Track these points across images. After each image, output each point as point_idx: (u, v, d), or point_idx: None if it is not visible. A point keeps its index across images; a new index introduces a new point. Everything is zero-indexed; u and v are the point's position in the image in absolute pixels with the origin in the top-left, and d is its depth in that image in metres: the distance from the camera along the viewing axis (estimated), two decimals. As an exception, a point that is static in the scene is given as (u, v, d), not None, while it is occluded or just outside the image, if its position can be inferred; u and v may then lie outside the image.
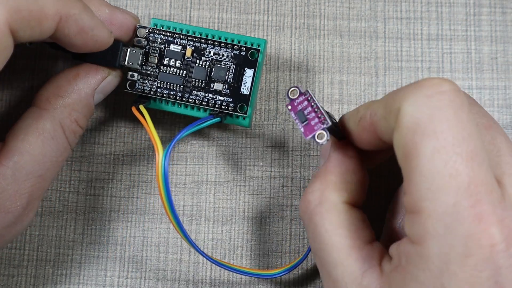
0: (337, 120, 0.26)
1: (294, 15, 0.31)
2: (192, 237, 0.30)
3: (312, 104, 0.24)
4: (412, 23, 0.31)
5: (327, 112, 0.25)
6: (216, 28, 0.31)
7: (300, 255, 0.30)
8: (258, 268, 0.30)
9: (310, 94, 0.24)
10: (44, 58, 0.31)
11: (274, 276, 0.28)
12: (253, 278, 0.30)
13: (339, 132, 0.25)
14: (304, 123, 0.24)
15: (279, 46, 0.31)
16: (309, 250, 0.28)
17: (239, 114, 0.28)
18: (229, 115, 0.28)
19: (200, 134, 0.31)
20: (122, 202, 0.31)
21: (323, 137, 0.24)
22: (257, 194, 0.30)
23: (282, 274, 0.28)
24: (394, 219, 0.27)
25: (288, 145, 0.31)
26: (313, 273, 0.30)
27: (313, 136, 0.24)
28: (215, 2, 0.32)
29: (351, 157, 0.25)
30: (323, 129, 0.24)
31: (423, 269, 0.20)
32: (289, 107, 0.25)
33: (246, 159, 0.31)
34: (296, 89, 0.25)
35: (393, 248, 0.22)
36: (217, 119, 0.27)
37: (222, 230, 0.30)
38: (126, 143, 0.31)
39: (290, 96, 0.25)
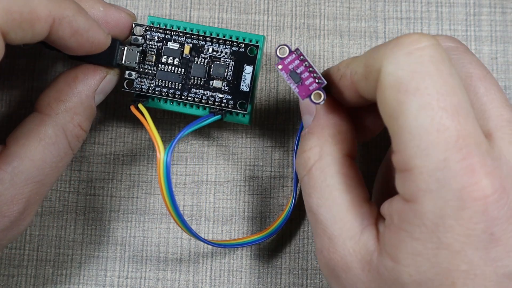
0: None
1: (294, 15, 0.31)
2: (192, 237, 0.30)
3: (305, 63, 0.23)
4: (412, 23, 0.31)
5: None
6: (216, 28, 0.31)
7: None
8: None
9: (301, 53, 0.23)
10: (44, 58, 0.31)
11: (269, 236, 0.28)
12: (253, 278, 0.30)
13: (326, 87, 0.25)
14: (298, 83, 0.23)
15: (279, 46, 0.31)
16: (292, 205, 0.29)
17: (239, 111, 0.27)
18: (229, 112, 0.28)
19: (200, 134, 0.31)
20: (122, 202, 0.31)
21: (320, 98, 0.23)
22: (257, 194, 0.30)
23: (273, 233, 0.28)
24: (386, 179, 0.27)
25: (288, 145, 0.31)
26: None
27: (310, 97, 0.23)
28: (215, 2, 0.32)
29: (339, 109, 0.25)
30: (319, 88, 0.23)
31: (418, 225, 0.20)
32: (280, 66, 0.23)
33: (246, 159, 0.31)
34: (285, 47, 0.23)
35: (385, 207, 0.22)
36: (218, 116, 0.27)
37: (222, 230, 0.30)
38: (126, 143, 0.31)
39: (279, 55, 0.23)
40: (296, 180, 0.29)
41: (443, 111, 0.19)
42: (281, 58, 0.24)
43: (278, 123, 0.31)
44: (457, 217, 0.19)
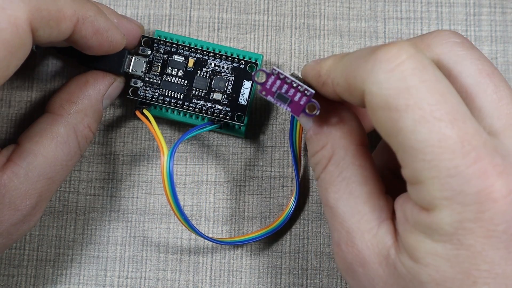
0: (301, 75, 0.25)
1: (294, 15, 0.31)
2: (193, 237, 0.30)
3: (286, 80, 0.23)
4: (412, 23, 0.31)
5: (297, 76, 0.23)
6: (216, 28, 0.31)
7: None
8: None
9: (278, 71, 0.23)
10: (44, 58, 0.31)
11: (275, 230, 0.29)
12: (253, 278, 0.30)
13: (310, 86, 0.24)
14: (288, 102, 0.23)
15: (279, 46, 0.31)
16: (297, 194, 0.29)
17: (236, 123, 0.29)
18: (226, 124, 0.29)
19: (200, 134, 0.31)
20: (122, 202, 0.31)
21: (314, 109, 0.23)
22: (257, 194, 0.30)
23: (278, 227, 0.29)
24: (383, 161, 0.27)
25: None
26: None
27: (304, 112, 0.23)
28: (215, 2, 0.32)
29: (335, 102, 0.24)
30: (310, 100, 0.23)
31: (436, 230, 0.20)
32: (264, 92, 0.23)
33: (246, 159, 0.31)
34: (261, 72, 0.23)
35: (397, 204, 0.22)
36: (217, 125, 0.29)
37: (222, 230, 0.30)
38: (126, 143, 0.31)
39: (258, 80, 0.23)
40: (297, 170, 0.29)
41: (440, 122, 0.19)
42: (261, 84, 0.23)
43: (278, 123, 0.31)
44: (477, 219, 0.19)
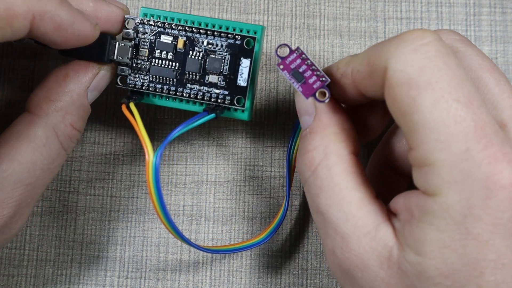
0: None
1: (294, 15, 0.31)
2: (192, 237, 0.30)
3: (307, 61, 0.23)
4: (412, 23, 0.31)
5: None
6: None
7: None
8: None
9: (302, 51, 0.23)
10: (45, 58, 0.31)
11: (264, 240, 0.28)
12: (253, 278, 0.30)
13: (328, 85, 0.24)
14: (301, 82, 0.23)
15: (279, 46, 0.31)
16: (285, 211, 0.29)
17: (236, 107, 0.26)
18: (226, 108, 0.27)
19: (200, 133, 0.31)
20: (122, 202, 0.31)
21: (324, 96, 0.23)
22: (257, 194, 0.30)
23: (269, 236, 0.28)
24: (379, 169, 0.27)
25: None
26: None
27: (314, 95, 0.23)
28: (215, 2, 0.32)
29: (339, 107, 0.24)
30: (323, 86, 0.23)
31: (444, 218, 0.20)
32: (281, 66, 0.23)
33: (246, 159, 0.31)
34: (285, 46, 0.23)
35: (399, 202, 0.22)
36: (212, 115, 0.26)
37: (222, 230, 0.30)
38: (126, 143, 0.31)
39: (279, 55, 0.23)
40: (289, 181, 0.29)
41: (457, 103, 0.19)
42: (282, 58, 0.23)
43: (278, 123, 0.31)
44: (485, 206, 0.19)
